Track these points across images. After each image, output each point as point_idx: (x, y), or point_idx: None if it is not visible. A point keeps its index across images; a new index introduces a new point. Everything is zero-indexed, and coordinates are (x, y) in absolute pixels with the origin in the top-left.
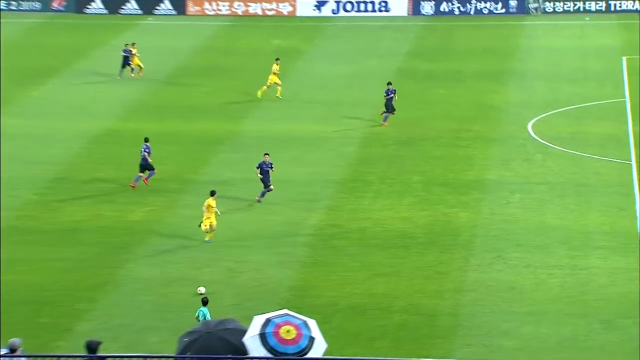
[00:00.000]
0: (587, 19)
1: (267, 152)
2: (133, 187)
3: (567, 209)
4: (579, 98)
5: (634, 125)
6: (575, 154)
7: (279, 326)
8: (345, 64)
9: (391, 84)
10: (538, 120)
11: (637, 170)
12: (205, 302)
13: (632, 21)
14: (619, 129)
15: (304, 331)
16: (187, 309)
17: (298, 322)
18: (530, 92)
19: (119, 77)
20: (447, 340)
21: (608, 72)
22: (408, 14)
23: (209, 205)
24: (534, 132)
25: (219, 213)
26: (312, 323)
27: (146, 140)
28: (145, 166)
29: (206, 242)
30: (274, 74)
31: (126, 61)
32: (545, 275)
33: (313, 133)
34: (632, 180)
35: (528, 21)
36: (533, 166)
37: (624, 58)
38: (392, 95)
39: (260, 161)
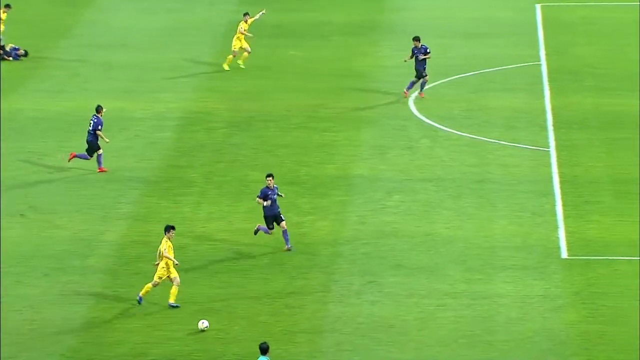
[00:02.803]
0: None
1: (271, 173)
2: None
3: (464, 215)
4: (479, 61)
5: (552, 99)
6: (474, 138)
7: None
8: (156, 14)
9: (419, 40)
10: (423, 92)
11: (558, 160)
12: (264, 350)
13: None
14: (532, 104)
15: None
16: None
17: None
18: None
19: None
20: None
21: (517, 25)
22: None
23: (169, 247)
24: (418, 110)
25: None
26: None
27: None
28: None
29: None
30: (240, 35)
31: None
32: (434, 307)
33: (110, 112)
34: (550, 175)
35: None
36: (417, 156)
37: (538, 6)
38: (423, 55)
39: (263, 187)
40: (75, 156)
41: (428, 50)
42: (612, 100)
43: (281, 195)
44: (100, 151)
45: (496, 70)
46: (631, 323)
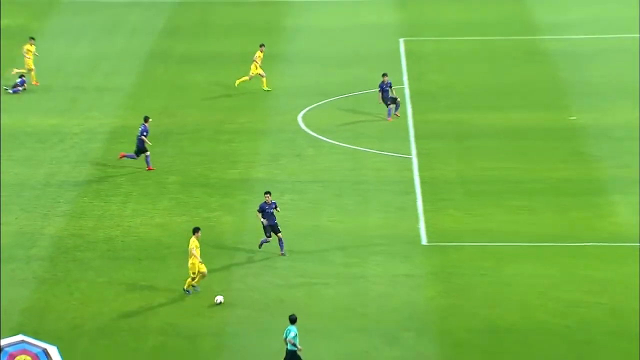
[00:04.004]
0: None
1: (268, 191)
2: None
3: (344, 210)
4: (354, 85)
5: (414, 115)
6: (351, 148)
7: (12, 356)
8: (86, 44)
9: (387, 76)
10: (309, 110)
11: (419, 165)
12: (293, 320)
13: None
14: (398, 120)
15: None
16: None
17: (36, 350)
18: (300, 79)
19: None
20: None
21: (385, 55)
22: None
23: (196, 247)
24: (305, 124)
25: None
26: (53, 350)
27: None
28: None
29: (186, 292)
30: (255, 62)
31: None
32: (319, 285)
33: (49, 127)
34: (412, 177)
35: None
36: (305, 162)
37: (402, 40)
38: (389, 89)
39: (262, 202)
40: (124, 156)
41: (391, 85)
42: (462, 116)
43: (278, 210)
44: (148, 153)
45: (368, 92)
46: (477, 297)
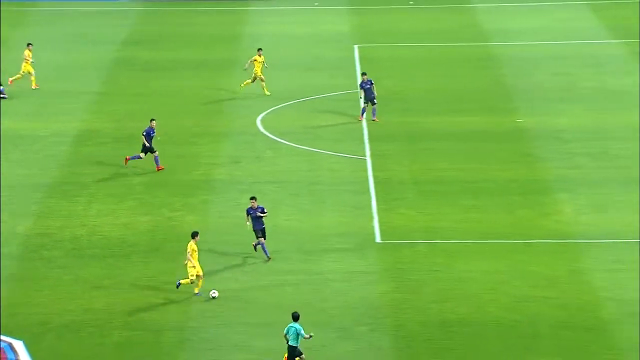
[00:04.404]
0: (316, 3)
1: (254, 196)
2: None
3: (301, 210)
4: (311, 89)
5: (367, 118)
6: (308, 149)
7: None
8: (54, 52)
9: (366, 75)
10: (268, 113)
11: (373, 166)
12: (296, 318)
13: (364, 7)
14: (353, 123)
15: (10, 355)
16: None
17: (2, 345)
18: (258, 84)
19: None
20: (173, 357)
21: (340, 61)
22: None
23: (193, 250)
24: (264, 127)
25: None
26: (19, 345)
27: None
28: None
29: (196, 295)
30: (256, 63)
31: None
32: (278, 282)
33: (19, 131)
34: (367, 177)
35: (253, 6)
36: (263, 164)
37: (356, 46)
38: (370, 86)
39: (248, 207)
40: (129, 159)
41: (372, 82)
42: (413, 119)
43: (265, 214)
44: (156, 153)
45: (325, 96)
46: (429, 292)
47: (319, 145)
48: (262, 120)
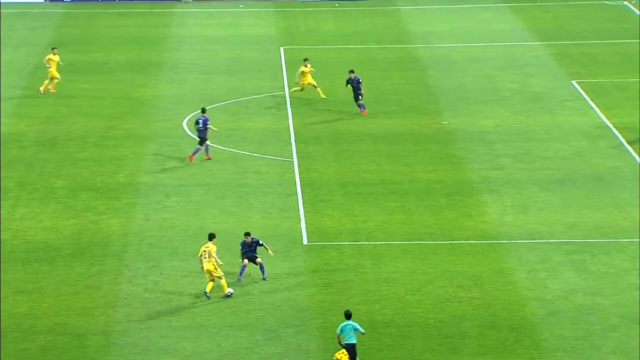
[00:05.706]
0: (241, 6)
1: (248, 232)
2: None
3: (228, 212)
4: (236, 92)
5: (294, 121)
6: (233, 152)
7: None
8: None
9: (354, 72)
10: (193, 116)
11: (299, 168)
12: (348, 316)
13: (290, 9)
14: (279, 125)
15: None
16: None
17: None
18: (184, 86)
19: None
20: None
21: (266, 63)
22: (45, 1)
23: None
24: (190, 130)
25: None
26: None
27: (203, 111)
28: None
29: (206, 294)
30: (304, 74)
31: None
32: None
33: None
34: (294, 179)
35: (178, 9)
36: (189, 167)
37: (282, 48)
38: (357, 84)
39: (241, 241)
40: (193, 155)
41: (360, 80)
42: (339, 121)
43: (261, 244)
44: (208, 142)
45: (250, 98)
46: (356, 293)
47: (245, 147)
48: (188, 123)
